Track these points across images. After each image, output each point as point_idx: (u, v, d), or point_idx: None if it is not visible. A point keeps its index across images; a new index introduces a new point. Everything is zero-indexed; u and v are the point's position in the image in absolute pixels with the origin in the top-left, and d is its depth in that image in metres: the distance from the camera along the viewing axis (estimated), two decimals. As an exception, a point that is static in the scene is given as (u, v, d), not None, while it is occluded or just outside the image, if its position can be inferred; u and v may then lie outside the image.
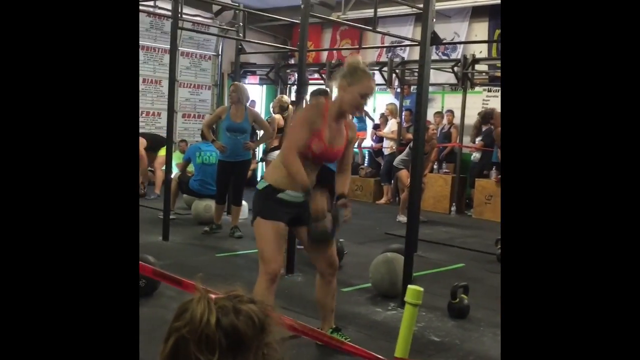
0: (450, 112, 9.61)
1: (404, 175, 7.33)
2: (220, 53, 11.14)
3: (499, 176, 8.02)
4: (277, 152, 7.38)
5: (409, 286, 1.63)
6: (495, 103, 9.36)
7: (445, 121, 9.80)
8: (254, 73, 11.39)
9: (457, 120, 9.38)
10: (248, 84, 10.80)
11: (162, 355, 0.96)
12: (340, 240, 2.88)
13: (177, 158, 8.81)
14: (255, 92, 11.43)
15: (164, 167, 6.67)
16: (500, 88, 9.49)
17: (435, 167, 9.28)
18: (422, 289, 1.60)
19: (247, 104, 6.31)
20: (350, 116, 3.16)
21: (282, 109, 7.17)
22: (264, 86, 11.82)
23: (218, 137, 6.66)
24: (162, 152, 8.72)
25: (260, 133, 7.32)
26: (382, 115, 10.26)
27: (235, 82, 6.71)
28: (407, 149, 7.62)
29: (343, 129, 3.03)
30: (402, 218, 7.29)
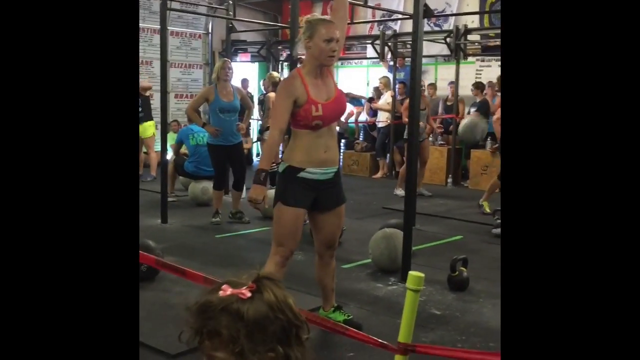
0: (453, 83, 9.42)
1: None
2: (210, 31, 11.01)
3: (495, 146, 8.02)
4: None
5: (410, 272, 1.64)
6: (488, 73, 9.31)
7: (448, 93, 9.58)
8: (245, 50, 11.29)
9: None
10: (240, 61, 10.71)
11: None
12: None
13: (170, 139, 8.78)
14: (248, 70, 11.34)
15: (157, 149, 6.59)
16: (492, 58, 9.45)
17: (430, 138, 9.25)
18: (422, 274, 1.61)
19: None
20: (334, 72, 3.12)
21: (274, 85, 7.12)
22: (256, 63, 11.74)
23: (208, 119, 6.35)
24: (150, 131, 8.65)
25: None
26: (376, 89, 10.20)
27: (225, 59, 6.31)
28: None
29: (330, 82, 2.97)
30: (400, 192, 7.31)
